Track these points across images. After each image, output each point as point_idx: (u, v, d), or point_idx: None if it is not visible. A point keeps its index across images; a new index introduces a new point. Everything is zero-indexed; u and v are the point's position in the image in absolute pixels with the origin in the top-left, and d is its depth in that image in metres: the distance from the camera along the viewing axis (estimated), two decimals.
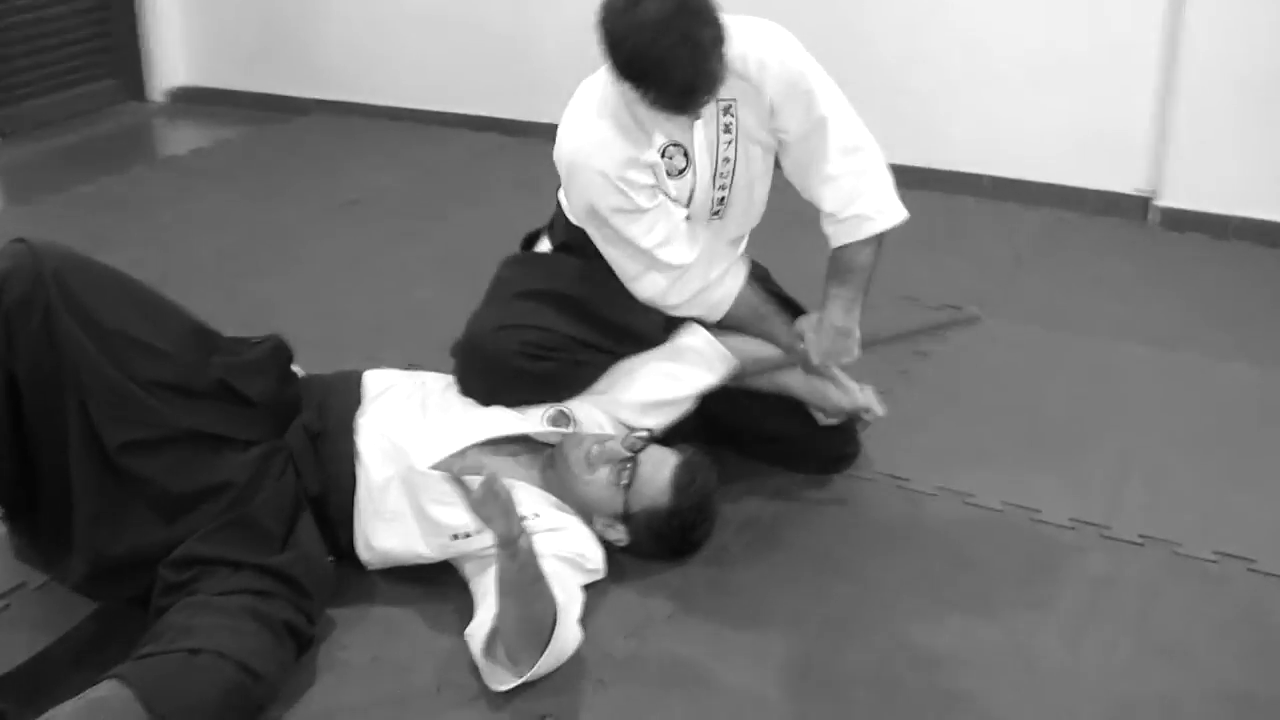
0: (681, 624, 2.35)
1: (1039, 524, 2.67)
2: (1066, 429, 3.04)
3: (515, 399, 2.56)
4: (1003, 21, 4.49)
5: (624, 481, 2.39)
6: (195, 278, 3.88)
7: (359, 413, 2.46)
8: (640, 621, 2.34)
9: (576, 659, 2.18)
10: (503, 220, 4.27)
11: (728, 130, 2.55)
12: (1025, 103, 4.52)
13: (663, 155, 2.52)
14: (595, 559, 2.36)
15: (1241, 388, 3.26)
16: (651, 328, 2.65)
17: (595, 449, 2.41)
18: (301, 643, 2.16)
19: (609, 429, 2.57)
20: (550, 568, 2.18)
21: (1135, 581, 2.49)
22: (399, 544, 2.38)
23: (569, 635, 2.16)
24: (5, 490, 2.21)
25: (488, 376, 2.56)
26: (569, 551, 2.30)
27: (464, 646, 2.19)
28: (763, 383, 2.73)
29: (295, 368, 2.51)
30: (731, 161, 2.59)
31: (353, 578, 2.40)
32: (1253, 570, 2.51)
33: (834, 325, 2.66)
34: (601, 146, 2.48)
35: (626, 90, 2.39)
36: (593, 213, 2.54)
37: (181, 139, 5.64)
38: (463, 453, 2.40)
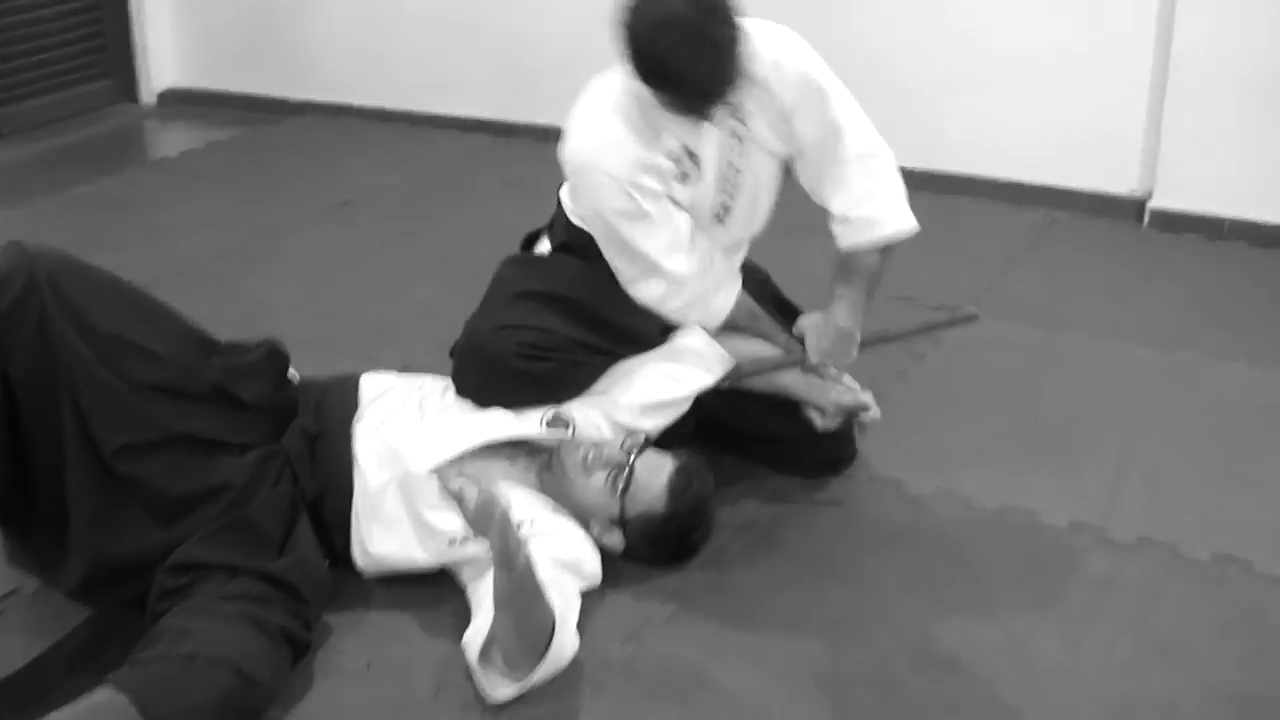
0: (679, 627, 2.34)
1: (1038, 525, 2.67)
2: (1064, 430, 3.04)
3: (513, 400, 2.55)
4: (998, 23, 4.49)
5: (620, 487, 2.38)
6: (188, 279, 3.88)
7: (356, 417, 2.45)
8: (637, 625, 2.34)
9: (574, 664, 2.17)
10: (496, 220, 4.29)
11: (738, 137, 2.55)
12: (1020, 104, 4.52)
13: (672, 160, 2.51)
14: (592, 564, 2.35)
15: (1239, 388, 3.26)
16: (650, 330, 2.65)
17: (591, 453, 2.40)
18: (298, 648, 2.15)
19: (607, 431, 2.56)
20: (547, 574, 2.17)
21: (1134, 583, 2.49)
22: (396, 549, 2.37)
23: (566, 643, 2.14)
24: (0, 494, 2.20)
25: (485, 377, 2.55)
26: (566, 557, 2.29)
27: (461, 652, 2.18)
28: (760, 384, 2.72)
29: (291, 371, 2.50)
30: (739, 169, 2.59)
31: (349, 582, 2.39)
32: (1252, 571, 2.51)
33: (837, 326, 2.66)
34: (612, 148, 2.47)
35: (641, 91, 2.38)
36: (598, 214, 2.53)
37: (173, 140, 5.63)
38: (460, 457, 2.39)
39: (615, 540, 2.42)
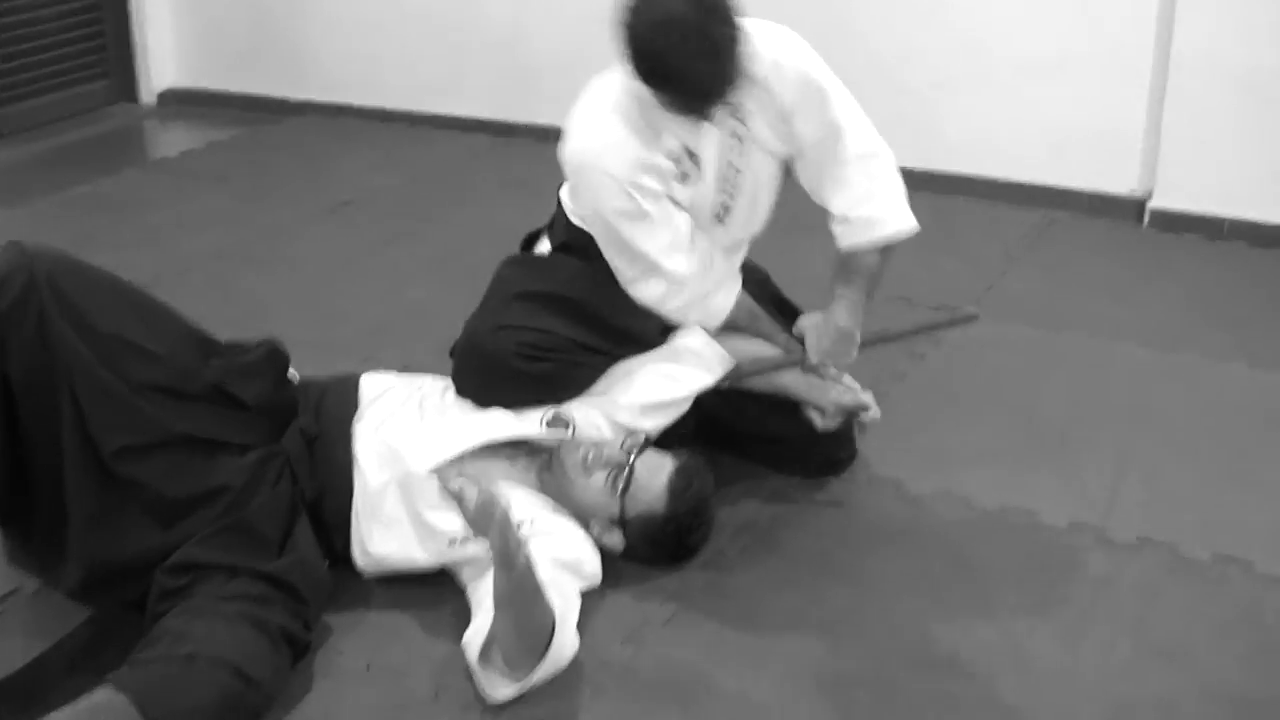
0: (679, 628, 2.34)
1: (1037, 526, 2.67)
2: (1064, 430, 3.04)
3: (513, 400, 2.54)
4: (997, 23, 4.49)
5: (620, 487, 2.38)
6: (187, 279, 3.88)
7: (356, 417, 2.45)
8: (637, 626, 2.34)
9: (573, 665, 2.17)
10: (495, 221, 4.29)
11: (738, 137, 2.55)
12: (1020, 104, 4.52)
13: (672, 160, 2.51)
14: (592, 564, 2.35)
15: (1239, 388, 3.26)
16: (650, 330, 2.65)
17: (591, 453, 2.40)
18: (298, 649, 2.15)
19: (607, 431, 2.56)
20: (547, 574, 2.17)
21: (1134, 583, 2.48)
22: (396, 549, 2.37)
23: (566, 644, 2.14)
24: None
25: (485, 377, 2.55)
26: (565, 557, 2.29)
27: (461, 652, 2.18)
28: (760, 384, 2.72)
29: (291, 371, 2.50)
30: (739, 169, 2.58)
31: (349, 582, 2.39)
32: (1251, 572, 2.51)
33: (837, 326, 2.67)
34: (612, 148, 2.47)
35: (641, 91, 2.38)
36: (598, 214, 2.53)
37: (173, 140, 5.62)
38: (460, 457, 2.39)
39: (615, 540, 2.42)
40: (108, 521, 2.15)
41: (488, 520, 2.00)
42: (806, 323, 2.73)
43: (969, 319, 3.02)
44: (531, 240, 2.82)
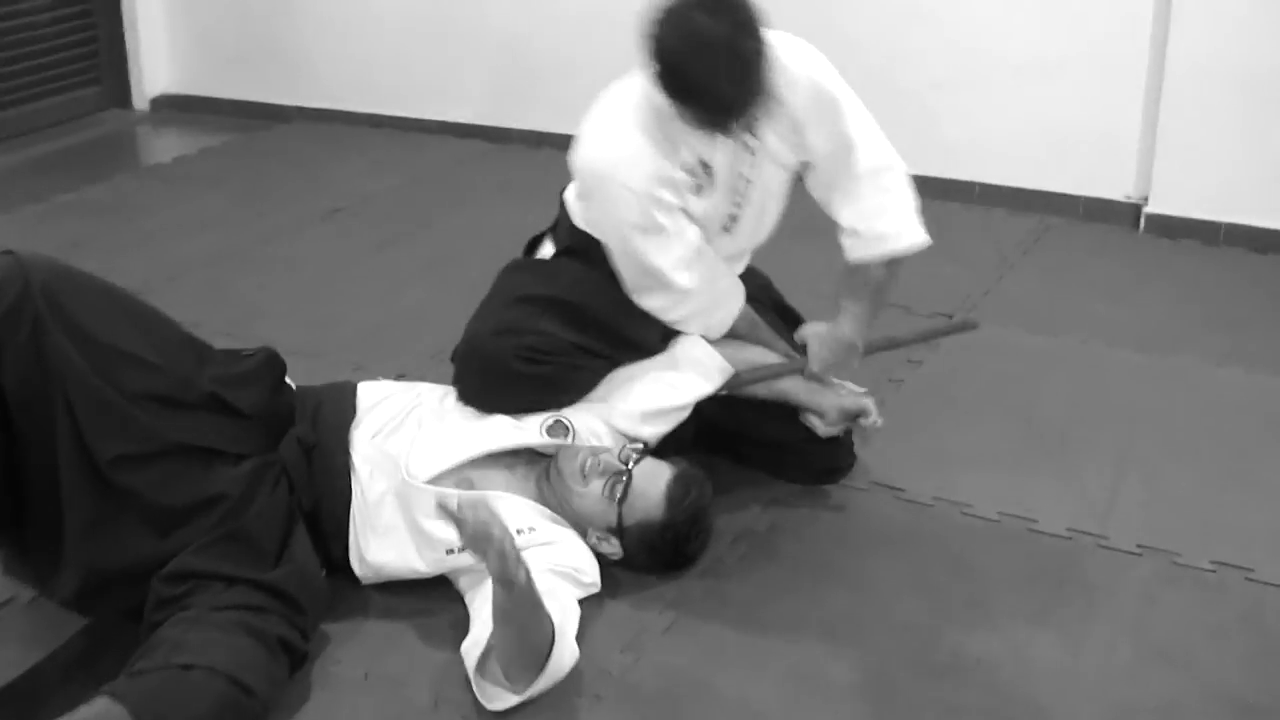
0: (678, 636, 2.33)
1: (1037, 531, 2.66)
2: (1062, 437, 3.03)
3: (513, 404, 2.54)
4: (992, 27, 4.49)
5: (618, 495, 2.37)
6: (180, 285, 3.87)
7: (353, 425, 2.44)
8: (636, 634, 2.33)
9: (572, 674, 2.16)
10: (489, 226, 4.28)
11: (749, 149, 2.54)
12: (1015, 109, 4.52)
13: (688, 172, 2.50)
14: (591, 573, 2.34)
15: (1237, 393, 3.26)
16: (651, 337, 2.64)
17: (589, 461, 2.39)
18: (295, 658, 2.13)
19: (606, 439, 2.55)
20: (545, 583, 2.16)
21: (1134, 587, 2.48)
22: (394, 558, 2.36)
23: (566, 655, 2.14)
24: None
25: (485, 381, 2.55)
26: (564, 566, 2.28)
27: (460, 661, 2.17)
28: (760, 389, 2.72)
29: (286, 379, 2.48)
30: (749, 180, 2.58)
31: (347, 591, 2.38)
32: (1251, 579, 2.51)
33: (842, 339, 2.67)
34: (630, 161, 2.46)
35: (660, 102, 2.36)
36: (611, 225, 2.53)
37: (166, 146, 5.61)
38: (458, 466, 2.38)
39: (612, 548, 2.41)
40: (104, 530, 2.13)
41: (485, 542, 1.99)
42: (809, 332, 2.72)
43: (970, 328, 3.02)
44: (534, 244, 2.80)
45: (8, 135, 5.48)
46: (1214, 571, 2.53)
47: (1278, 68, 4.09)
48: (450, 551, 2.29)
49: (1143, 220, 4.41)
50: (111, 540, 2.14)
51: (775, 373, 2.71)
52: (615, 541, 2.41)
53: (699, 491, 2.43)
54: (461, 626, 2.23)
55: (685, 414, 2.65)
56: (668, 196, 2.48)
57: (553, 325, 2.55)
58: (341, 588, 2.37)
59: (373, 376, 2.70)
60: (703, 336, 2.67)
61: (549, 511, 2.39)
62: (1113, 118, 4.39)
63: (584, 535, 2.40)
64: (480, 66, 5.41)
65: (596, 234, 2.59)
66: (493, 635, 2.09)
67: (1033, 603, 2.44)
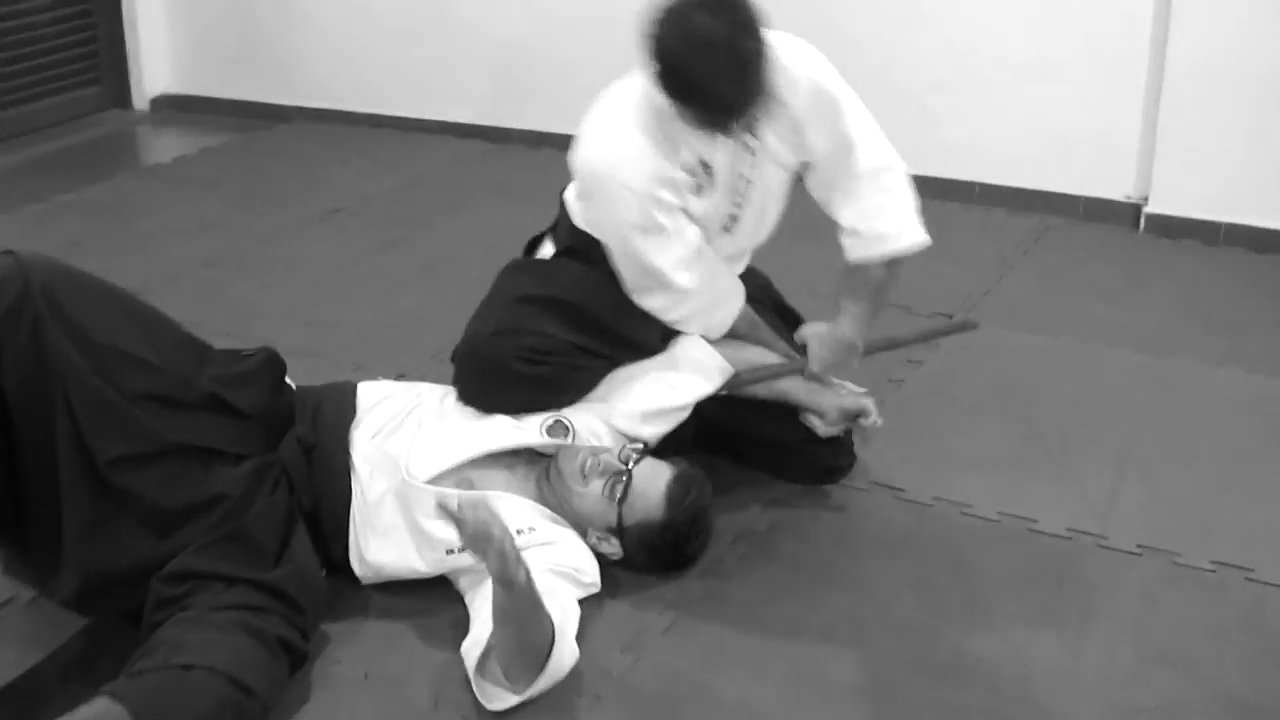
0: (678, 636, 2.33)
1: (1037, 532, 2.66)
2: (1062, 437, 3.03)
3: (513, 404, 2.53)
4: (992, 28, 4.49)
5: (618, 495, 2.37)
6: (179, 285, 3.87)
7: (353, 425, 2.43)
8: (636, 634, 2.32)
9: (572, 674, 2.16)
10: (488, 227, 4.28)
11: (749, 149, 2.54)
12: (1015, 109, 4.52)
13: (688, 172, 2.50)
14: (591, 573, 2.34)
15: (1237, 394, 3.26)
16: (651, 337, 2.64)
17: (589, 461, 2.39)
18: (295, 658, 2.13)
19: (607, 439, 2.54)
20: (546, 583, 2.16)
21: (1134, 589, 2.48)
22: (394, 558, 2.36)
23: (566, 655, 2.13)
24: None
25: (485, 381, 2.54)
26: (564, 566, 2.28)
27: (460, 661, 2.17)
28: (760, 389, 2.71)
29: (286, 379, 2.48)
30: (749, 180, 2.58)
31: (347, 591, 2.38)
32: (1251, 579, 2.51)
33: (843, 340, 2.67)
34: (631, 161, 2.45)
35: (661, 102, 2.36)
36: (612, 226, 2.52)
37: (166, 146, 5.60)
38: (458, 467, 2.38)
39: (612, 549, 2.41)
40: (103, 531, 2.13)
41: (485, 543, 1.99)
42: (809, 332, 2.72)
43: (970, 328, 3.02)
44: (534, 244, 2.80)
45: (7, 135, 5.48)
46: (1214, 572, 2.53)
47: (1278, 68, 4.08)
48: (450, 551, 2.29)
49: (1143, 220, 4.40)
50: (111, 541, 2.13)
51: (775, 373, 2.71)
52: (615, 541, 2.40)
53: (699, 492, 2.43)
54: (461, 626, 2.23)
55: (685, 414, 2.65)
56: (668, 197, 2.48)
57: (553, 325, 2.55)
58: (341, 588, 2.36)
59: (372, 377, 2.69)
60: (702, 336, 2.67)
61: (549, 511, 2.39)
62: (1112, 117, 4.39)
63: (584, 535, 2.40)
64: (480, 67, 5.41)
65: (596, 234, 2.59)
66: (493, 635, 2.09)
67: (1033, 603, 2.43)
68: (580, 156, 2.54)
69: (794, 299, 2.95)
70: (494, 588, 2.05)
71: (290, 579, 2.18)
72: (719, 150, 2.50)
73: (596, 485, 2.38)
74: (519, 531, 2.27)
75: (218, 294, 3.86)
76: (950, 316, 3.57)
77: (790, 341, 2.75)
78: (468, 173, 5.07)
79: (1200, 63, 4.16)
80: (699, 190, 2.52)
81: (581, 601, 2.28)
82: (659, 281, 2.56)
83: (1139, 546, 2.60)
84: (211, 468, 2.24)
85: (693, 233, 2.55)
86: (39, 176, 5.09)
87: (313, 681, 2.18)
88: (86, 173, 5.10)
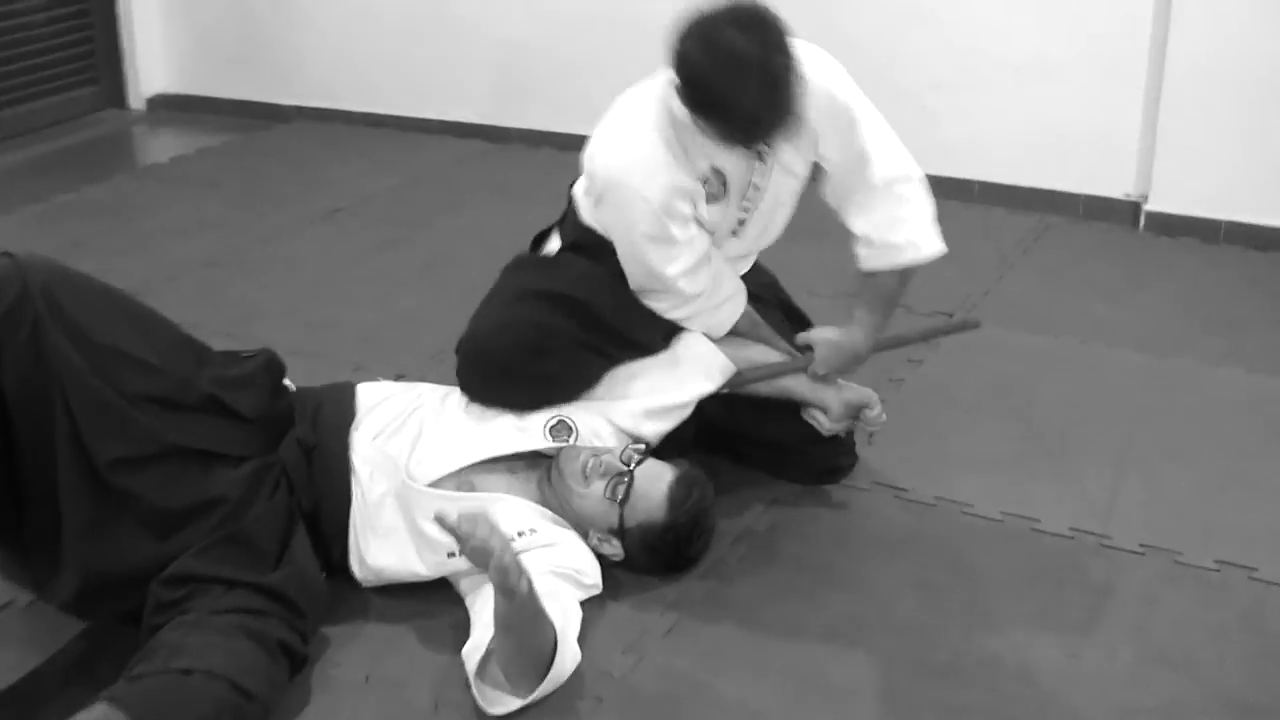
0: (679, 638, 2.33)
1: (1038, 532, 2.65)
2: (1063, 437, 3.02)
3: (515, 399, 2.53)
4: (991, 26, 4.48)
5: (619, 496, 2.36)
6: (177, 286, 3.86)
7: (353, 426, 2.42)
8: (637, 636, 2.32)
9: (574, 677, 2.16)
10: (487, 227, 4.28)
11: (760, 156, 2.53)
12: (1013, 107, 4.51)
13: (702, 182, 2.49)
14: (592, 574, 2.34)
15: (1237, 393, 3.25)
16: (654, 335, 2.63)
17: (591, 462, 2.38)
18: (295, 661, 2.13)
19: (609, 439, 2.54)
20: (547, 585, 2.15)
21: (1135, 589, 2.47)
22: (394, 561, 2.35)
23: (568, 660, 2.13)
24: None
25: (488, 375, 2.54)
26: (566, 567, 2.28)
27: (461, 663, 2.16)
28: (762, 388, 2.71)
29: (286, 381, 2.47)
30: (759, 187, 2.57)
31: (346, 593, 2.37)
32: (1254, 578, 2.50)
33: (853, 350, 2.67)
34: (648, 170, 2.44)
35: (680, 110, 2.35)
36: (623, 231, 2.51)
37: (162, 146, 5.59)
38: (460, 470, 2.37)
39: (613, 550, 2.41)
40: (103, 533, 2.13)
41: (485, 556, 1.99)
42: (818, 337, 2.70)
43: (971, 326, 3.01)
44: (541, 239, 2.79)
45: (4, 136, 5.47)
46: (1217, 571, 2.52)
47: (1277, 66, 4.08)
48: (451, 554, 2.28)
49: (1142, 218, 4.40)
50: (110, 543, 2.13)
51: (778, 370, 2.70)
52: (616, 543, 2.40)
53: (701, 493, 2.42)
54: (462, 628, 2.23)
55: (687, 412, 2.64)
56: (682, 207, 2.47)
57: (555, 320, 2.54)
58: (341, 590, 2.36)
59: (372, 377, 2.69)
60: (704, 335, 2.66)
61: (550, 513, 2.38)
62: (1112, 116, 4.38)
63: (585, 536, 2.39)
64: (480, 66, 5.40)
65: (605, 233, 2.58)
66: (493, 640, 2.08)
67: (1034, 603, 2.43)
68: (596, 160, 2.52)
69: (794, 298, 2.95)
70: (495, 597, 2.04)
71: (290, 582, 2.17)
72: (732, 158, 2.49)
73: (598, 486, 2.37)
74: (520, 533, 2.27)
75: (217, 294, 3.85)
76: (951, 315, 3.56)
77: (793, 341, 2.75)
78: (467, 173, 5.06)
79: (1200, 61, 4.15)
80: (712, 198, 2.51)
81: (583, 603, 2.28)
82: (664, 286, 2.56)
83: (1141, 546, 2.60)
84: (211, 470, 2.23)
85: (702, 240, 2.54)
86: (36, 177, 5.08)
87: (313, 684, 2.17)
88: (84, 173, 5.09)
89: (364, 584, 2.39)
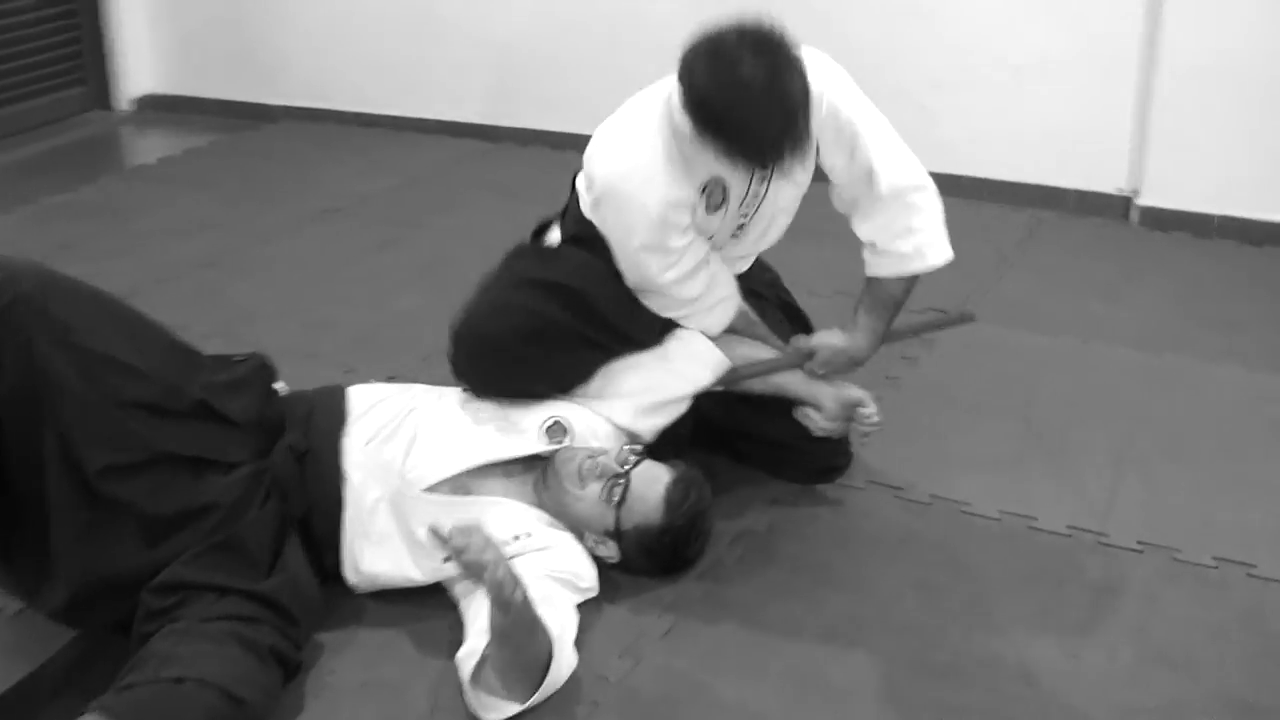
0: (677, 640, 2.31)
1: (1036, 531, 2.64)
2: (1059, 434, 3.01)
3: (504, 384, 2.52)
4: (984, 23, 4.48)
5: (615, 499, 2.34)
6: (167, 288, 3.84)
7: (346, 431, 2.40)
8: (634, 639, 2.30)
9: (570, 681, 2.14)
10: (481, 227, 4.25)
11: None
12: (1007, 103, 4.51)
13: (704, 192, 2.47)
14: (588, 577, 2.32)
15: (1233, 389, 3.25)
16: (650, 329, 2.62)
17: (587, 464, 2.36)
18: (288, 669, 2.10)
19: (605, 438, 2.52)
20: (543, 589, 2.14)
21: (1134, 588, 2.46)
22: (389, 567, 2.33)
23: (564, 666, 2.12)
24: None
25: (482, 359, 2.52)
26: (562, 571, 2.26)
27: (456, 668, 2.14)
28: (757, 384, 2.70)
29: (278, 385, 2.45)
30: (759, 196, 2.55)
31: (340, 599, 2.35)
32: (1252, 575, 2.49)
33: (854, 355, 2.67)
34: (647, 178, 2.42)
35: (685, 125, 2.32)
36: (621, 236, 2.50)
37: (150, 147, 5.57)
38: (455, 475, 2.35)
39: (610, 552, 2.39)
40: (93, 541, 2.10)
41: (481, 569, 1.98)
42: (821, 340, 2.68)
43: (967, 320, 3.00)
44: (542, 230, 2.77)
45: None
46: (1215, 568, 2.51)
47: (1269, 60, 4.08)
48: (447, 559, 2.26)
49: (1135, 213, 4.39)
50: (100, 551, 2.11)
51: (773, 367, 2.69)
52: (613, 545, 2.38)
53: (698, 495, 2.40)
54: (458, 631, 2.21)
55: (683, 408, 2.63)
56: (682, 218, 2.46)
57: (553, 309, 2.52)
58: (335, 596, 2.34)
59: (366, 379, 2.67)
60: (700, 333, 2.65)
61: (546, 516, 2.37)
62: (1105, 111, 4.38)
63: (581, 539, 2.37)
64: (471, 65, 5.38)
65: (603, 231, 2.57)
66: (488, 646, 2.07)
67: (1033, 602, 2.42)
68: (598, 166, 2.51)
69: (794, 298, 2.93)
70: (490, 609, 2.03)
71: (283, 589, 2.15)
72: (734, 169, 2.47)
73: (594, 488, 2.35)
74: (515, 537, 2.25)
75: (209, 296, 3.83)
76: (945, 311, 3.54)
77: (791, 341, 2.73)
78: (461, 172, 5.05)
79: (1192, 56, 4.15)
80: (712, 206, 2.50)
81: (579, 606, 2.26)
82: (659, 289, 2.55)
83: (1139, 544, 2.59)
84: (202, 476, 2.21)
85: (699, 247, 2.53)
86: (23, 178, 5.06)
87: (307, 691, 2.16)
88: (72, 174, 5.07)
89: (357, 590, 2.37)
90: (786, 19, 2.34)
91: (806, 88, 2.28)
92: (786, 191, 2.61)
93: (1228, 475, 2.84)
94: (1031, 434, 3.02)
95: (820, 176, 2.62)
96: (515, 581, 1.99)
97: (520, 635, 2.03)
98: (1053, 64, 4.40)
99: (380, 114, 5.59)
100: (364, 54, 5.57)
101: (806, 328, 2.84)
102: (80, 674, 2.17)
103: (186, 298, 3.76)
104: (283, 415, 2.39)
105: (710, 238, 2.57)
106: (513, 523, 2.28)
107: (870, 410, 2.71)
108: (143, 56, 6.00)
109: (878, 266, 2.63)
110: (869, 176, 2.53)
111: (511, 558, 2.14)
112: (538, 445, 2.45)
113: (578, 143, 2.65)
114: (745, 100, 2.22)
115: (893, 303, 2.66)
